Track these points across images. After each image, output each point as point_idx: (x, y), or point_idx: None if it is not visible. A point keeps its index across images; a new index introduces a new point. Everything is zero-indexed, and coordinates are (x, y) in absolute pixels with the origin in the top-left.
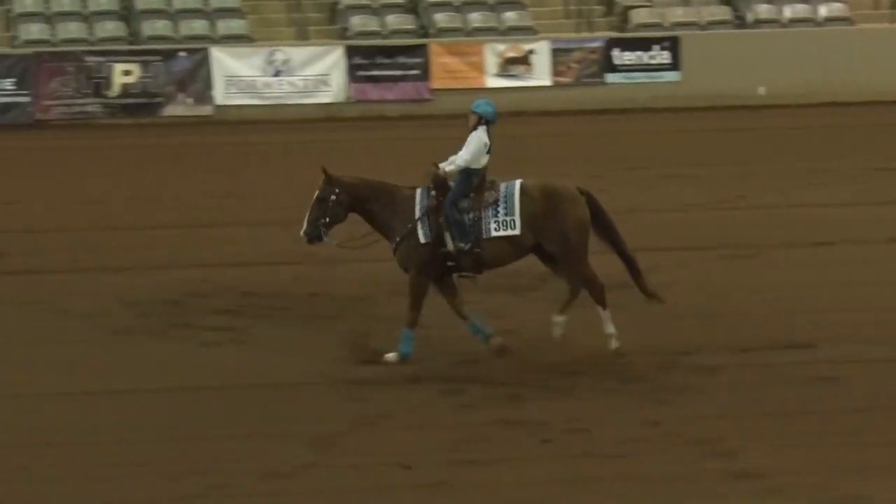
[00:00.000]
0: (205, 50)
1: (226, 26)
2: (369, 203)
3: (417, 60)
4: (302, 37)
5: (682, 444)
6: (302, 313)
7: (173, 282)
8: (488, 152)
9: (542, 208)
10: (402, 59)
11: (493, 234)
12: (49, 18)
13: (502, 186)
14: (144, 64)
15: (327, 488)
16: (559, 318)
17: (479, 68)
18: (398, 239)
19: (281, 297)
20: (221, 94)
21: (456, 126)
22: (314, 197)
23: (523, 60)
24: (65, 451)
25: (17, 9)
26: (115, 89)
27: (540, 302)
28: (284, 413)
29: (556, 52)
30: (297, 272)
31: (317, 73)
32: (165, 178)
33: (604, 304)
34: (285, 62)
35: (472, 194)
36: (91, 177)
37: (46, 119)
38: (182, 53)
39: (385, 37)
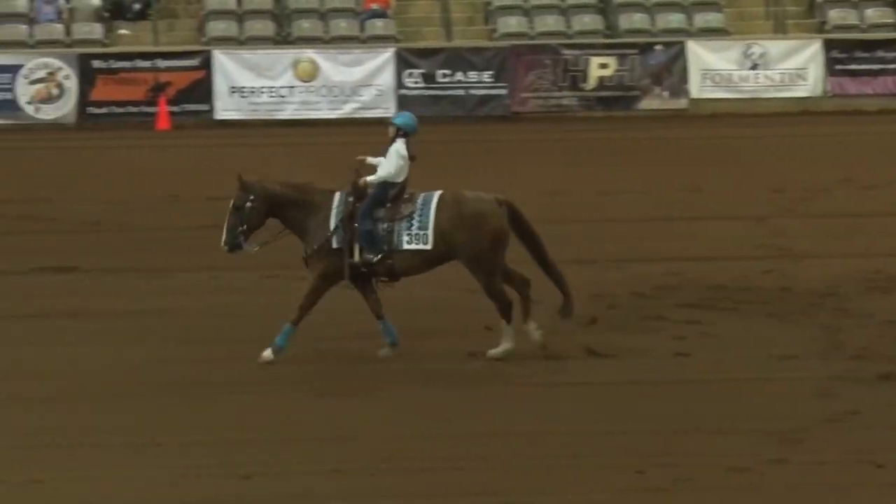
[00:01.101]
0: (681, 43)
1: (703, 20)
2: (286, 208)
3: None
4: (779, 30)
5: None
6: (772, 308)
7: (641, 274)
8: (412, 160)
9: (456, 221)
10: (881, 54)
11: (405, 247)
12: (527, 12)
13: (420, 198)
14: (621, 57)
15: (794, 484)
16: (530, 326)
17: None
18: (315, 247)
19: (750, 292)
20: (696, 88)
21: None
22: (230, 205)
23: None
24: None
25: (497, 2)
26: (592, 82)
27: None
28: (752, 408)
29: None
30: (767, 266)
31: (794, 67)
32: (636, 171)
33: (508, 319)
34: (762, 56)
35: (388, 204)
36: (562, 169)
37: (522, 111)
38: (658, 47)
39: (864, 31)
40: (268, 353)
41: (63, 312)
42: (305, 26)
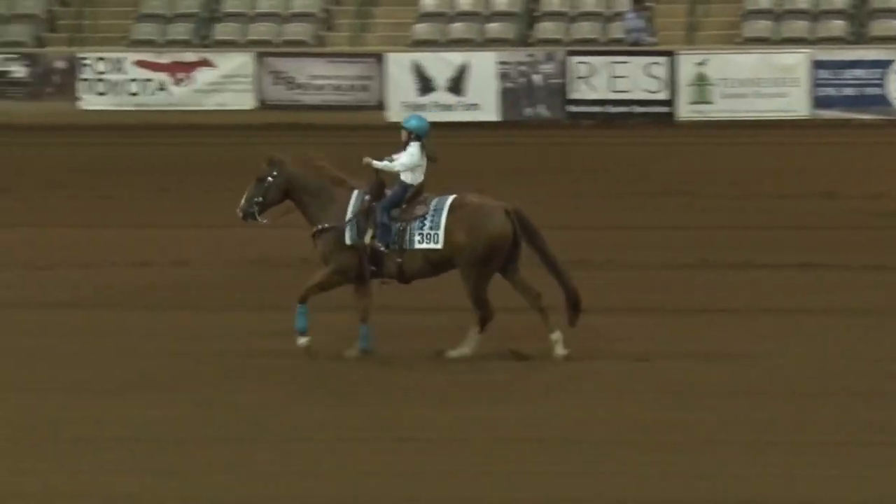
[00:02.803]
0: None
1: None
2: (303, 192)
3: None
4: None
5: None
6: None
7: None
8: (430, 161)
9: (462, 224)
10: None
11: (417, 246)
12: None
13: (434, 201)
14: None
15: None
16: (555, 336)
17: None
18: (319, 227)
19: None
20: None
21: None
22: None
23: None
24: None
25: None
26: None
27: None
28: None
29: None
30: None
31: None
32: None
33: (482, 329)
34: None
35: (403, 205)
36: None
37: None
38: None
39: None
40: (302, 341)
41: None
42: None
